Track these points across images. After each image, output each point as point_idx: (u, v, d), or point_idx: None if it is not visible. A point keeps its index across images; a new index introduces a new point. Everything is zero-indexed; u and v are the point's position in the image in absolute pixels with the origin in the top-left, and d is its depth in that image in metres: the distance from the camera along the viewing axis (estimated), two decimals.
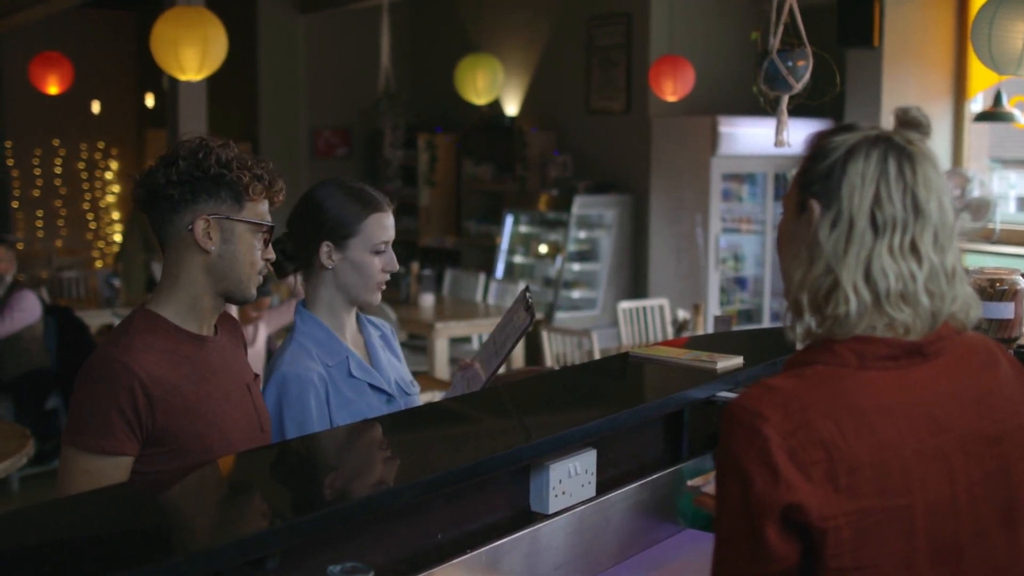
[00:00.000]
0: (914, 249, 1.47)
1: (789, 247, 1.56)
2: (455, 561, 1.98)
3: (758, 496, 1.38)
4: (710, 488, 2.35)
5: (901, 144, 1.50)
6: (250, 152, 2.30)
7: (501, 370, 2.74)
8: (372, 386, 2.54)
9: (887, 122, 1.57)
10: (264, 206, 2.25)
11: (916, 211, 1.47)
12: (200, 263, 2.22)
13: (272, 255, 2.29)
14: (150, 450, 2.13)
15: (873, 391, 1.44)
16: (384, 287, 2.59)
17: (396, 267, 2.57)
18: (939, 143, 8.02)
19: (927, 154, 1.51)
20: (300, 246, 2.56)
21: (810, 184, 1.52)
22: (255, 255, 2.23)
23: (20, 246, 11.76)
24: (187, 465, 2.11)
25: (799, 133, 4.31)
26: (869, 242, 1.46)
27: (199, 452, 2.15)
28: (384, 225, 2.55)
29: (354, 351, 2.57)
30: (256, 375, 2.44)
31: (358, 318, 2.67)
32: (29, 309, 7.04)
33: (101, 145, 14.73)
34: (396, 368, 2.67)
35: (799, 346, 1.54)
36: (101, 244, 14.69)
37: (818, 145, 1.54)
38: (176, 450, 2.14)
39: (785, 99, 4.27)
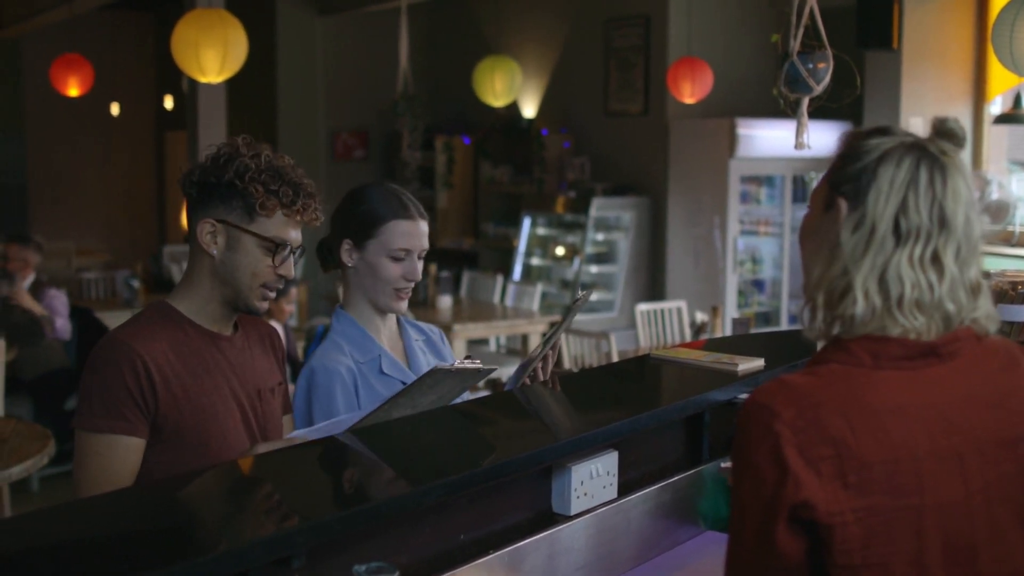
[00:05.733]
0: (936, 260, 1.47)
1: (812, 242, 1.57)
2: (478, 562, 1.99)
3: (769, 493, 1.40)
4: None
5: (935, 154, 1.50)
6: (288, 164, 2.27)
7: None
8: (402, 384, 2.55)
9: (906, 125, 1.57)
10: (285, 223, 2.24)
11: (942, 223, 1.47)
12: (207, 264, 2.26)
13: (291, 272, 2.28)
14: (149, 439, 2.16)
15: (886, 391, 1.45)
16: (407, 296, 2.58)
17: (417, 277, 2.56)
18: None
19: (959, 167, 1.51)
20: (333, 242, 2.59)
21: (840, 183, 1.52)
22: (259, 268, 2.23)
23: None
24: (182, 459, 2.13)
25: (818, 135, 4.33)
26: (889, 248, 1.47)
27: (195, 446, 2.16)
28: (406, 232, 2.54)
29: (389, 352, 2.59)
30: (280, 381, 2.44)
31: (399, 321, 2.69)
32: (65, 313, 7.18)
33: (120, 147, 14.78)
34: None
35: (818, 345, 1.56)
36: (119, 245, 14.73)
37: (852, 145, 1.54)
38: (171, 442, 2.16)
39: (806, 101, 4.26)
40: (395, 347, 2.63)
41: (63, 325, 7.20)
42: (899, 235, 1.47)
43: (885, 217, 1.47)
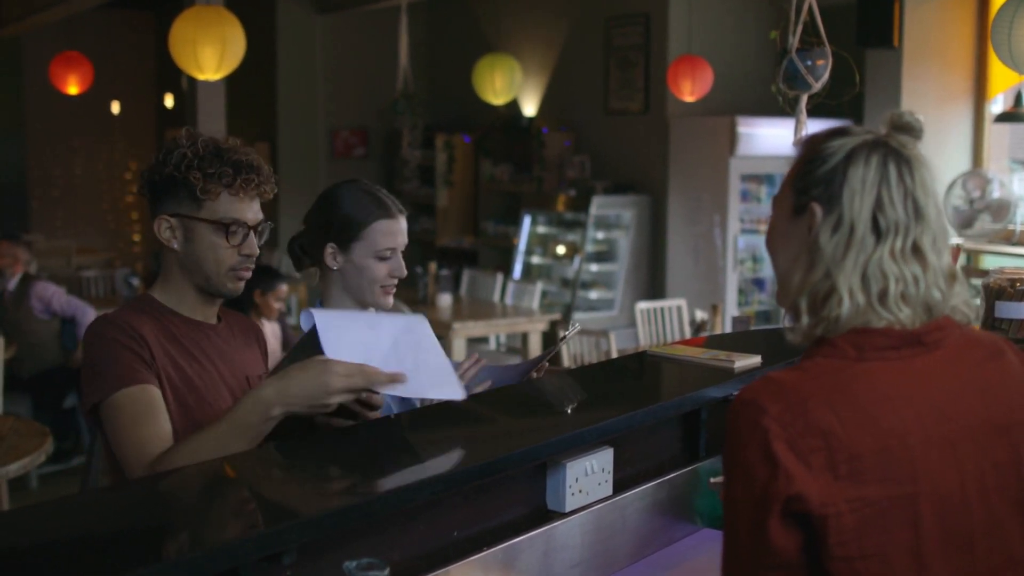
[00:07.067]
0: (916, 251, 1.49)
1: (785, 249, 1.58)
2: (471, 559, 1.98)
3: (760, 489, 1.40)
4: None
5: (897, 148, 1.52)
6: (231, 146, 2.28)
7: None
8: None
9: None
10: (233, 202, 2.24)
11: (917, 215, 1.49)
12: (174, 258, 2.29)
13: (254, 249, 2.28)
14: None
15: (873, 381, 1.46)
16: (393, 291, 2.58)
17: (403, 273, 2.56)
18: (959, 144, 7.98)
19: (922, 159, 1.53)
20: (311, 243, 2.57)
21: (809, 187, 1.54)
22: (219, 253, 2.25)
23: (41, 245, 11.82)
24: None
25: None
26: (870, 246, 1.49)
27: (189, 429, 2.15)
28: (390, 232, 2.53)
29: None
30: (266, 371, 2.44)
31: None
32: (70, 307, 7.20)
33: (121, 145, 14.79)
34: None
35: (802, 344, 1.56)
36: (120, 244, 14.75)
37: (815, 149, 1.55)
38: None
39: (804, 98, 4.25)
40: None
41: (84, 321, 7.17)
42: (878, 232, 1.49)
43: (863, 216, 1.49)
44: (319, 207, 2.58)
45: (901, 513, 1.41)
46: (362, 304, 2.57)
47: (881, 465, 1.41)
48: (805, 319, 1.52)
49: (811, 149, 1.56)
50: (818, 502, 1.38)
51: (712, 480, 2.50)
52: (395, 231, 2.54)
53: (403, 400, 2.57)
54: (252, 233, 2.28)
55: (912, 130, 1.55)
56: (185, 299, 2.31)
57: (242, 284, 2.30)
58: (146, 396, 2.12)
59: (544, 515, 2.20)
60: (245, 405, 2.01)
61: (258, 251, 2.30)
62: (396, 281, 2.57)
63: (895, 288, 1.48)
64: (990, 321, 2.79)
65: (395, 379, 2.03)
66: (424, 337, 2.22)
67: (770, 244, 1.63)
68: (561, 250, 10.06)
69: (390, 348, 2.13)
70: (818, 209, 1.51)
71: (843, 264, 1.49)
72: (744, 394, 1.46)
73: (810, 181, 1.54)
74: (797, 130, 4.25)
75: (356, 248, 2.52)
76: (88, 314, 7.16)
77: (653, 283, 9.70)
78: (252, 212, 2.28)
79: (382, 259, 2.53)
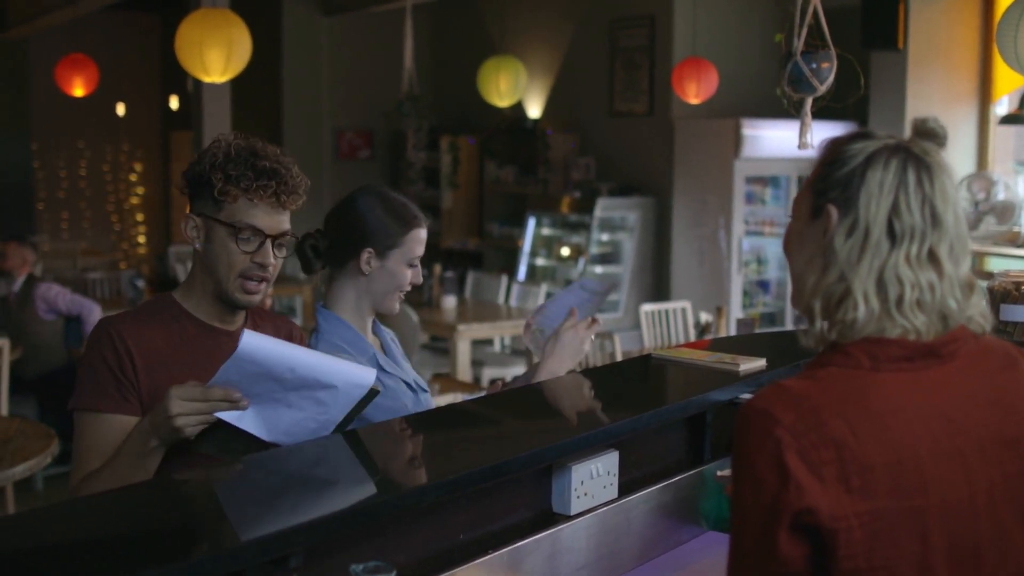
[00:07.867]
0: (932, 258, 1.48)
1: (801, 251, 1.57)
2: (477, 561, 1.98)
3: (770, 499, 1.38)
4: None
5: (919, 154, 1.51)
6: (263, 151, 2.26)
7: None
8: (401, 380, 2.57)
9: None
10: (251, 208, 2.22)
11: (934, 221, 1.48)
12: (197, 259, 2.31)
13: (267, 259, 2.25)
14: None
15: (886, 392, 1.44)
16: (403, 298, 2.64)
17: (420, 280, 2.62)
18: (964, 146, 7.97)
19: (943, 165, 1.52)
20: (337, 247, 2.56)
21: (827, 190, 1.53)
22: (233, 257, 2.24)
23: (47, 247, 11.85)
24: (169, 452, 2.12)
25: (823, 136, 4.32)
26: (885, 251, 1.47)
27: (183, 441, 2.15)
28: (421, 240, 2.60)
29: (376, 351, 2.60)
30: None
31: (372, 323, 2.69)
32: (77, 306, 7.21)
33: (126, 147, 14.82)
34: (407, 368, 2.70)
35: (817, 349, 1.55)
36: (125, 245, 14.77)
37: (835, 151, 1.54)
38: None
39: (809, 101, 4.25)
40: (374, 344, 2.64)
41: (90, 319, 7.16)
42: (894, 236, 1.47)
43: (878, 220, 1.47)
44: (351, 212, 2.57)
45: (910, 526, 1.40)
46: (375, 307, 2.59)
47: (892, 477, 1.39)
48: (819, 322, 1.51)
49: (832, 151, 1.55)
50: (828, 515, 1.37)
51: (719, 473, 2.49)
52: (424, 239, 2.61)
53: (416, 401, 2.59)
54: (269, 242, 2.25)
55: (935, 136, 1.55)
56: (203, 303, 2.31)
57: (254, 297, 2.28)
58: (111, 427, 2.17)
59: (549, 518, 2.20)
60: (131, 436, 2.09)
61: (272, 261, 2.26)
62: (411, 288, 2.62)
63: (911, 295, 1.46)
64: (994, 324, 2.78)
65: (232, 400, 2.04)
66: (339, 402, 2.12)
67: (787, 246, 1.62)
68: (566, 252, 10.06)
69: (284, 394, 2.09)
70: (834, 211, 1.50)
71: (858, 268, 1.47)
72: (756, 402, 1.44)
73: (829, 183, 1.53)
74: (802, 133, 4.25)
75: (393, 255, 2.55)
76: (94, 311, 7.17)
77: (658, 285, 9.70)
78: (272, 221, 2.25)
79: (411, 266, 2.58)
